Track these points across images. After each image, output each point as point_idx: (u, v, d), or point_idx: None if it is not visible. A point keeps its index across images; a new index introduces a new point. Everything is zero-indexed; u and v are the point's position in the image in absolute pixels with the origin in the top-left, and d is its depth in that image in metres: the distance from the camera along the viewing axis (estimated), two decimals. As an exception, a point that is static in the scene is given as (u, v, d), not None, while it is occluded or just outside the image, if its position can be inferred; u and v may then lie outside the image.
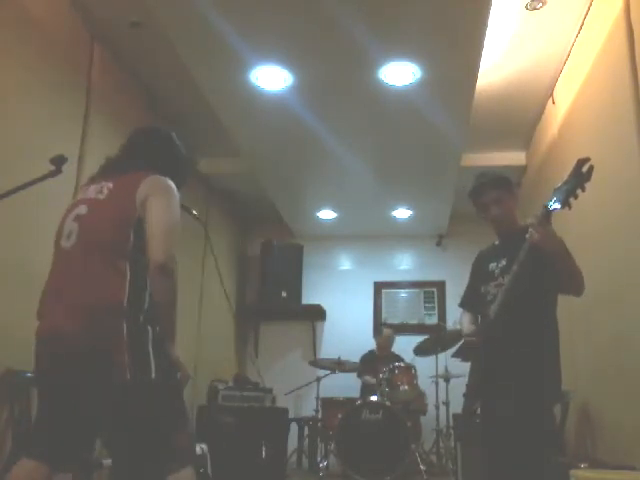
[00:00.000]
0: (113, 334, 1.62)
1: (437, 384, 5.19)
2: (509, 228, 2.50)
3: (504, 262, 2.43)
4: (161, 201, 1.78)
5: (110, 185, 1.86)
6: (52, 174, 2.04)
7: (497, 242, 2.62)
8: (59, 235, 1.86)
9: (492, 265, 2.52)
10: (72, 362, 1.63)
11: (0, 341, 2.75)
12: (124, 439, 1.66)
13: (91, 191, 1.89)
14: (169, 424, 1.67)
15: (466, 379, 2.55)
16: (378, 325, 6.49)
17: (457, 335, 4.86)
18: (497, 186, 2.50)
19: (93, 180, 1.97)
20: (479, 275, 2.62)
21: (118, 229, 1.76)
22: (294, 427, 5.46)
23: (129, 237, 1.74)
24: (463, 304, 2.74)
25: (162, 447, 1.64)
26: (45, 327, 1.72)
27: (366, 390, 5.48)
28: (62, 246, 1.82)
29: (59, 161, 2.03)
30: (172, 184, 1.85)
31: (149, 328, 1.68)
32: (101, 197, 1.84)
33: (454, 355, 2.59)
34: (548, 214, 2.14)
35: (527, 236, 2.19)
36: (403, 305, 6.86)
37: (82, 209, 1.85)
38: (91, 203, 1.85)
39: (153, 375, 1.64)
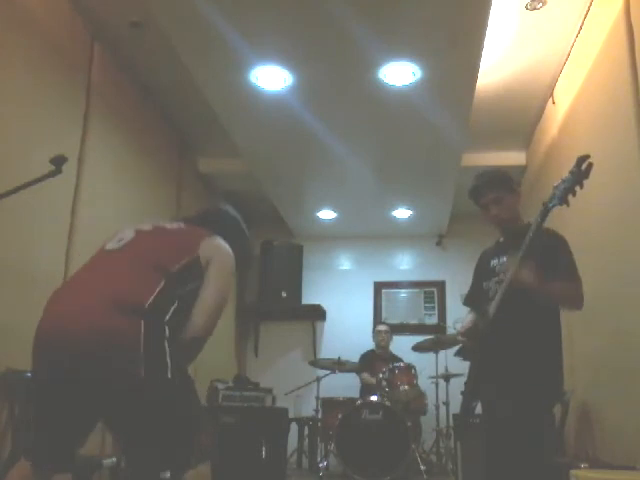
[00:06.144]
0: (129, 329, 1.60)
1: (437, 384, 5.19)
2: (511, 226, 2.50)
3: (505, 259, 2.43)
4: (221, 276, 1.87)
5: (182, 225, 1.99)
6: (52, 174, 2.04)
7: (501, 239, 2.62)
8: (108, 239, 1.91)
9: (494, 262, 2.53)
10: (86, 355, 1.60)
11: (0, 341, 2.75)
12: (140, 436, 1.64)
13: (163, 222, 2.01)
14: (188, 422, 1.69)
15: (466, 378, 2.56)
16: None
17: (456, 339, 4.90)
18: (495, 186, 2.50)
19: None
20: (482, 272, 2.63)
21: (172, 256, 1.81)
22: (294, 427, 5.45)
23: (177, 262, 1.78)
24: (466, 302, 2.74)
25: (181, 444, 1.65)
26: (62, 323, 1.66)
27: (366, 390, 5.49)
28: (105, 247, 1.87)
29: (59, 161, 2.02)
30: (233, 259, 1.93)
31: (166, 328, 1.68)
32: (168, 227, 1.97)
33: (456, 354, 2.60)
34: (547, 212, 2.16)
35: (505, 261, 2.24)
36: (403, 305, 6.86)
37: (146, 226, 1.93)
38: (157, 226, 1.95)
39: (169, 374, 1.63)
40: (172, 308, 1.72)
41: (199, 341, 1.82)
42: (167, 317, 1.71)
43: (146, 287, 1.69)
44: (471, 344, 2.51)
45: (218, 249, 1.89)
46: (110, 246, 1.86)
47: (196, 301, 1.80)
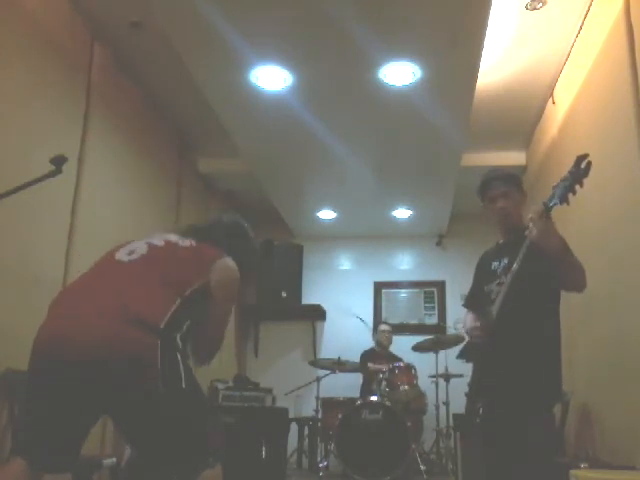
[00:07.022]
0: (147, 345, 1.64)
1: (437, 384, 5.19)
2: (514, 225, 2.49)
3: (506, 260, 2.42)
4: (228, 304, 2.00)
5: (194, 243, 1.99)
6: (52, 174, 2.04)
7: (501, 241, 2.62)
8: (116, 248, 1.92)
9: (495, 264, 2.52)
10: (101, 367, 1.61)
11: (0, 341, 2.75)
12: (157, 442, 1.69)
13: (173, 236, 2.01)
14: (203, 425, 1.76)
15: (467, 379, 2.55)
16: (377, 325, 6.50)
17: (457, 338, 4.89)
18: (506, 181, 2.53)
19: (176, 230, 2.09)
20: (482, 275, 2.62)
21: (186, 279, 1.84)
22: (294, 427, 5.45)
23: (190, 286, 1.82)
24: (467, 304, 2.73)
25: (198, 447, 1.70)
26: (73, 328, 1.66)
27: (366, 389, 5.49)
28: (117, 258, 1.87)
29: (59, 161, 2.02)
30: (238, 282, 2.02)
31: (178, 342, 1.74)
32: (181, 244, 1.96)
33: (458, 356, 2.59)
34: (547, 211, 2.16)
35: (526, 232, 2.19)
36: (403, 305, 6.86)
37: (159, 241, 1.95)
38: (169, 243, 1.95)
39: (184, 385, 1.69)
40: (185, 326, 1.78)
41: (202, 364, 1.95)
42: (179, 334, 1.76)
43: (161, 307, 1.72)
44: (488, 339, 2.43)
45: (226, 271, 1.95)
46: (121, 257, 1.86)
47: (205, 318, 1.89)
